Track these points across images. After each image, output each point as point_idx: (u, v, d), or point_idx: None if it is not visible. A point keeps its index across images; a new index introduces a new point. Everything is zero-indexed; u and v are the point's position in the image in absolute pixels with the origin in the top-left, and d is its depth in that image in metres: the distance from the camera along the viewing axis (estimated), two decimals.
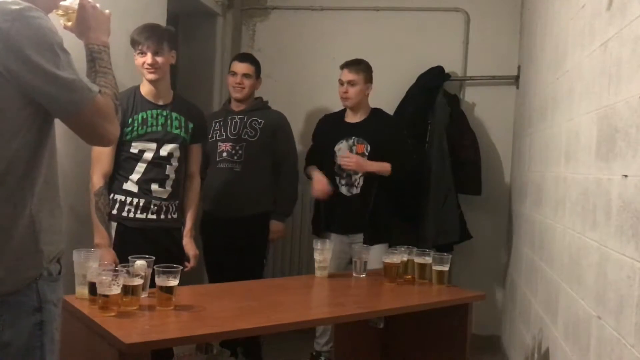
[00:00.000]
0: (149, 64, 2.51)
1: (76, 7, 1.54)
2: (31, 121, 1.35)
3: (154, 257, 1.97)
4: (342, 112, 3.35)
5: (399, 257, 2.52)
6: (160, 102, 2.61)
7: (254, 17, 4.37)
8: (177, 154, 2.62)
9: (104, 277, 1.75)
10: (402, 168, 3.16)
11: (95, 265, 1.85)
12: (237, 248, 3.13)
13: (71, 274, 1.87)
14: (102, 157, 2.48)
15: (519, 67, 3.95)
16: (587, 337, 1.77)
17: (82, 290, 1.86)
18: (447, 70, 3.99)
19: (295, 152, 3.34)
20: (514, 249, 3.64)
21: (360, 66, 3.18)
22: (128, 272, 1.83)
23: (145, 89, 2.60)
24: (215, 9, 3.99)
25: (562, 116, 2.36)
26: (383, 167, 3.12)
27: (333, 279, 2.57)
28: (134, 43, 2.54)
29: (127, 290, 1.81)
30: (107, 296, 1.74)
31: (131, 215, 2.53)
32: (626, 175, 1.51)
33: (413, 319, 2.42)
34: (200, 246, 3.18)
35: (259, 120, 3.19)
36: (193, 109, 2.77)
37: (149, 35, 2.51)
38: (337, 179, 3.20)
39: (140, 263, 1.91)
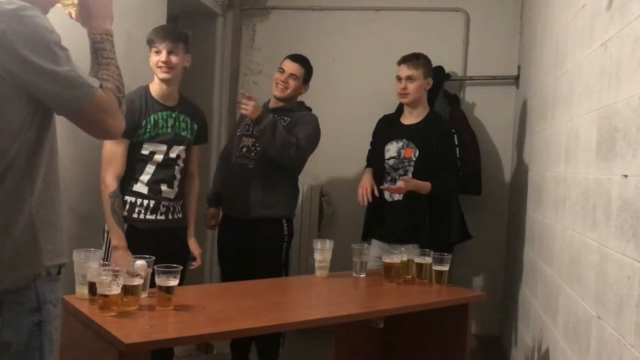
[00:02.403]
0: (162, 62, 2.52)
1: None
2: (30, 120, 1.36)
3: (154, 257, 1.97)
4: (399, 113, 3.17)
5: (399, 257, 2.52)
6: (169, 104, 2.62)
7: (254, 17, 4.37)
8: (183, 155, 2.66)
9: (104, 277, 1.75)
10: (441, 189, 2.91)
11: (95, 265, 1.85)
12: (247, 252, 2.98)
13: (71, 274, 1.88)
14: (114, 158, 2.47)
15: (519, 67, 3.95)
16: (587, 337, 1.77)
17: (82, 290, 1.86)
18: (447, 70, 3.99)
19: (304, 147, 2.96)
20: (514, 249, 3.64)
21: (419, 61, 2.98)
22: (128, 272, 1.83)
23: (156, 90, 2.59)
24: (215, 9, 4.00)
25: (562, 116, 2.36)
26: (424, 187, 2.85)
27: (333, 279, 2.57)
28: (150, 42, 2.56)
29: (127, 290, 1.81)
30: (107, 296, 1.74)
31: (141, 216, 2.55)
32: (626, 175, 1.51)
33: (413, 319, 2.42)
34: (207, 245, 3.17)
35: (285, 119, 3.01)
36: (197, 111, 2.80)
37: (165, 35, 2.54)
38: (382, 181, 3.00)
39: (140, 263, 1.91)
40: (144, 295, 1.92)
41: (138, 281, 1.84)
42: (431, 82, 3.03)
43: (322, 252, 2.55)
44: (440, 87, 3.93)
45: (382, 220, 3.00)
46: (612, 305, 1.57)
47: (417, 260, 2.54)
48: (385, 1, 4.18)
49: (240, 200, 2.99)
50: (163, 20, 3.25)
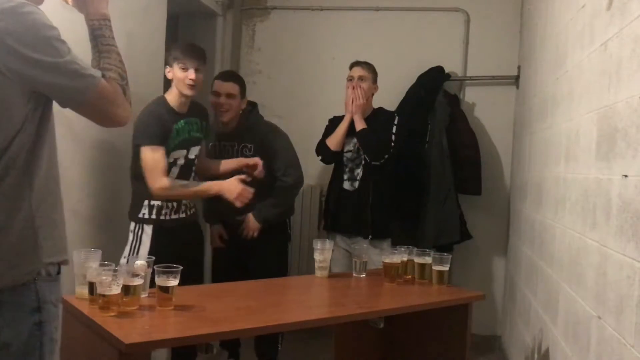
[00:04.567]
0: (191, 79, 2.64)
1: None
2: (31, 116, 1.36)
3: (154, 257, 1.98)
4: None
5: (399, 257, 2.52)
6: (183, 111, 2.74)
7: (254, 17, 4.37)
8: (198, 154, 2.83)
9: (104, 277, 1.75)
10: (367, 135, 3.19)
11: (95, 265, 1.85)
12: (246, 258, 3.07)
13: (71, 274, 1.87)
14: (158, 164, 2.58)
15: (519, 67, 3.95)
16: (587, 337, 1.77)
17: (82, 290, 1.86)
18: (447, 70, 3.99)
19: (294, 166, 3.11)
20: (514, 249, 3.64)
21: (369, 66, 3.31)
22: (128, 272, 1.83)
23: (174, 101, 2.69)
24: (215, 9, 3.99)
25: (562, 116, 2.36)
26: (362, 125, 3.19)
27: (333, 279, 2.57)
28: (176, 58, 2.66)
29: (127, 290, 1.81)
30: (107, 296, 1.74)
31: (167, 217, 2.71)
32: (626, 175, 1.51)
33: (413, 319, 2.42)
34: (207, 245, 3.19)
35: (249, 146, 3.04)
36: (202, 108, 2.90)
37: (194, 53, 2.69)
38: (342, 175, 3.30)
39: (140, 263, 1.91)
40: (144, 295, 1.92)
41: (138, 281, 1.84)
42: (377, 88, 3.34)
43: (322, 252, 2.56)
44: (440, 87, 3.93)
45: (343, 212, 3.26)
46: (612, 305, 1.57)
47: (418, 260, 2.55)
48: (385, 1, 4.18)
49: (247, 206, 2.93)
50: (163, 20, 3.25)
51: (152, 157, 2.57)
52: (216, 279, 3.18)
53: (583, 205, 1.93)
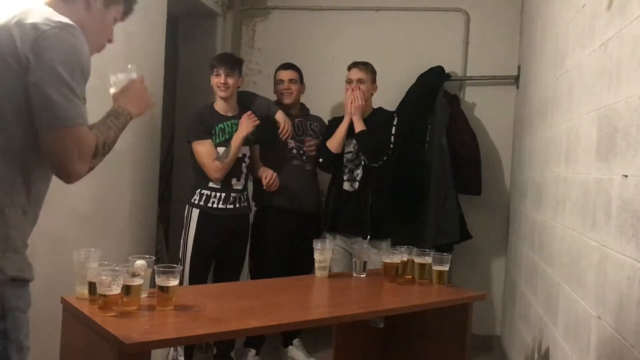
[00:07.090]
0: (221, 82, 3.08)
1: (129, 79, 1.70)
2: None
3: (154, 257, 1.98)
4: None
5: (399, 257, 2.52)
6: (230, 114, 3.16)
7: (254, 17, 4.38)
8: (248, 153, 3.22)
9: (104, 277, 1.75)
10: (365, 138, 3.22)
11: (95, 265, 1.85)
12: (296, 243, 3.36)
13: (70, 274, 1.87)
14: (209, 154, 3.04)
15: (519, 67, 3.95)
16: (587, 337, 1.77)
17: (82, 290, 1.86)
18: (447, 70, 3.99)
19: None
20: (514, 249, 3.64)
21: (368, 66, 3.33)
22: (128, 272, 1.83)
23: (219, 105, 3.16)
24: (215, 9, 4.00)
25: (562, 116, 2.36)
26: (360, 127, 3.22)
27: (333, 279, 2.57)
28: (212, 66, 3.13)
29: (127, 290, 1.81)
30: (107, 296, 1.74)
31: (214, 205, 3.11)
32: (626, 175, 1.51)
33: (413, 319, 2.42)
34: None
35: (316, 124, 3.54)
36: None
37: (224, 61, 3.11)
38: (342, 175, 3.33)
39: (140, 263, 1.91)
40: (144, 295, 1.92)
41: (138, 281, 1.84)
42: (376, 87, 3.36)
43: (322, 252, 2.56)
44: (440, 87, 3.93)
45: (343, 213, 3.30)
46: (612, 305, 1.57)
47: (418, 260, 2.55)
48: (385, 1, 4.18)
49: (300, 195, 3.38)
50: (163, 20, 3.25)
51: (202, 149, 3.06)
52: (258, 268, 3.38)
53: (583, 205, 1.93)
